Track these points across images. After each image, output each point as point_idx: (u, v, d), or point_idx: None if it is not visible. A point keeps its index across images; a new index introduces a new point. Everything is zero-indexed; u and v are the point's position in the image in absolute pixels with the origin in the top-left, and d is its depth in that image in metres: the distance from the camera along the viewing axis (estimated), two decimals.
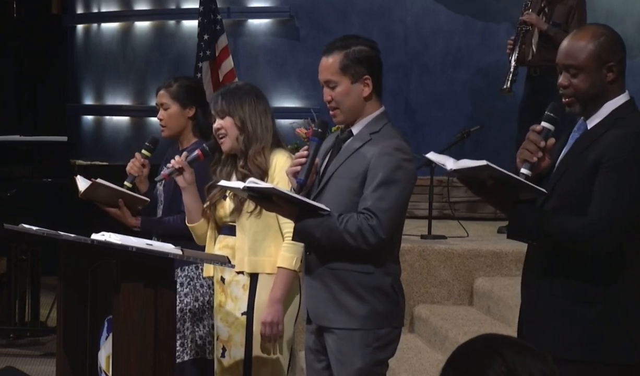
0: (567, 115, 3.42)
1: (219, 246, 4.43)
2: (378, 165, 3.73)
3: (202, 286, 4.82)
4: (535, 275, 3.39)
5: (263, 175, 4.28)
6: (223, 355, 4.41)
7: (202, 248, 4.56)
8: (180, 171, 4.44)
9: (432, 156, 3.47)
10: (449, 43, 8.72)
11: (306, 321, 3.94)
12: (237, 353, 4.36)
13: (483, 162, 3.22)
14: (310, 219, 3.72)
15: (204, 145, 4.50)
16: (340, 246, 3.72)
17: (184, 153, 4.52)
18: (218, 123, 4.38)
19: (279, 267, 4.29)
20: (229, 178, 4.37)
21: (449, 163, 3.34)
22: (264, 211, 4.23)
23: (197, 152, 4.47)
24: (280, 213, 3.88)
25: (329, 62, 3.81)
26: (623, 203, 3.20)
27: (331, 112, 3.86)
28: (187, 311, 4.78)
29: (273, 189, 3.69)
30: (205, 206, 4.46)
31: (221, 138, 4.38)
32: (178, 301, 4.76)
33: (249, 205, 4.28)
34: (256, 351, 4.33)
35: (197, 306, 4.79)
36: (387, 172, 3.73)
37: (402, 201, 3.78)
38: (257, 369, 4.34)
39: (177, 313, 4.74)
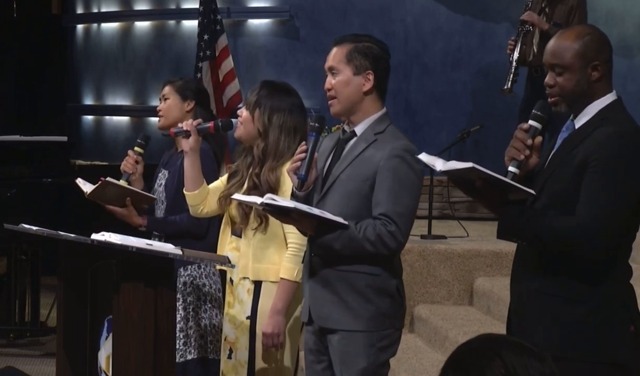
0: (555, 114, 3.43)
1: (229, 247, 4.42)
2: (388, 168, 3.73)
3: (204, 285, 4.82)
4: (524, 272, 3.40)
5: (271, 191, 4.24)
6: (230, 357, 4.40)
7: (213, 242, 4.57)
8: (187, 134, 4.43)
9: (423, 156, 3.47)
10: (449, 43, 8.73)
11: (307, 322, 3.94)
12: (242, 355, 4.35)
13: (469, 164, 3.23)
14: (329, 231, 3.71)
15: (218, 120, 4.53)
16: (361, 255, 3.71)
17: (198, 120, 4.51)
18: (241, 110, 4.38)
19: (281, 278, 4.26)
20: (248, 170, 4.36)
21: (438, 164, 3.35)
22: (269, 226, 4.24)
23: (209, 123, 4.48)
24: (298, 227, 3.86)
25: (337, 51, 3.85)
26: (610, 203, 3.20)
27: (329, 102, 3.87)
28: (191, 310, 4.79)
29: (294, 208, 3.65)
30: (221, 194, 4.44)
31: (237, 124, 4.38)
32: (182, 300, 4.77)
33: (254, 222, 4.27)
34: (259, 355, 4.32)
35: (199, 305, 4.80)
36: (398, 175, 3.72)
37: (415, 204, 3.79)
38: (261, 373, 4.33)
39: (181, 311, 4.75)
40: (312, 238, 3.79)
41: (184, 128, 4.43)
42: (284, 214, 3.74)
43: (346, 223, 3.68)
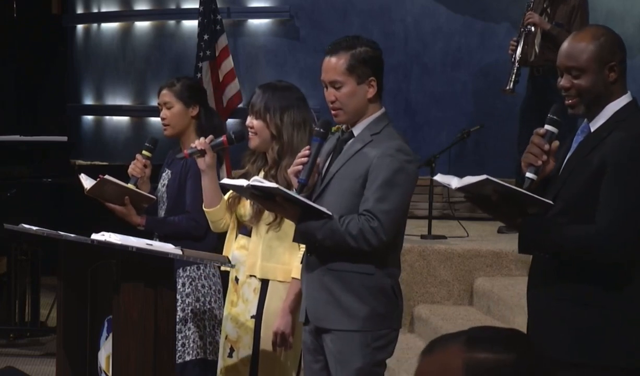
0: (569, 118, 3.41)
1: (237, 245, 4.41)
2: (380, 166, 3.73)
3: (203, 286, 4.82)
4: (540, 279, 3.38)
5: (289, 187, 4.24)
6: (230, 355, 4.39)
7: (212, 243, 4.55)
8: (202, 153, 4.38)
9: (438, 177, 3.45)
10: (449, 43, 8.72)
11: (304, 321, 3.94)
12: (244, 354, 4.34)
13: (483, 177, 3.21)
14: (312, 220, 3.72)
15: (230, 132, 4.48)
16: (342, 248, 3.72)
17: (210, 136, 4.45)
18: (250, 121, 4.31)
19: (293, 278, 4.24)
20: (258, 173, 4.34)
21: (454, 182, 3.33)
22: (283, 223, 4.22)
23: (222, 138, 4.43)
24: (282, 213, 3.86)
25: (335, 63, 3.80)
26: (626, 208, 3.19)
27: (333, 112, 3.84)
28: (189, 311, 4.78)
29: (278, 189, 3.68)
30: (228, 196, 4.44)
31: (250, 135, 4.34)
32: (180, 301, 4.76)
33: (268, 217, 4.26)
34: (263, 355, 4.31)
35: (198, 306, 4.79)
36: (388, 173, 3.72)
37: (403, 203, 3.78)
38: (264, 373, 4.33)
39: (179, 313, 4.74)
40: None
41: (198, 148, 4.38)
42: (270, 200, 3.74)
43: (330, 213, 3.69)
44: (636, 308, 3.28)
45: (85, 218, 5.81)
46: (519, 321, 5.32)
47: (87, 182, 4.86)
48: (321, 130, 3.85)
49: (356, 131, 3.85)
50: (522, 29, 7.39)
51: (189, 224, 4.77)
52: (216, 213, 4.44)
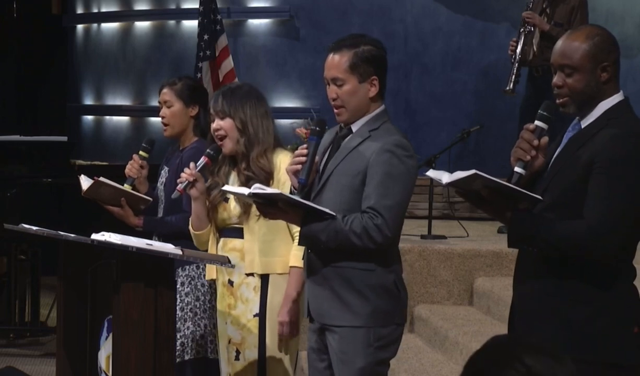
0: (561, 115, 3.42)
1: (226, 249, 4.39)
2: (379, 162, 3.73)
3: (202, 285, 4.81)
4: (527, 274, 3.39)
5: (268, 177, 4.26)
6: (237, 358, 4.38)
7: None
8: (194, 183, 4.36)
9: (430, 173, 3.46)
10: (449, 43, 8.73)
11: (309, 320, 3.94)
12: (251, 355, 4.34)
13: (472, 172, 3.22)
14: (315, 222, 3.71)
15: (208, 150, 4.43)
16: (347, 248, 3.71)
17: (192, 164, 4.40)
18: (217, 124, 4.35)
19: (291, 266, 4.27)
20: (227, 179, 4.37)
21: (445, 178, 3.34)
22: None
23: (204, 160, 4.40)
24: (285, 218, 3.85)
25: (338, 60, 3.80)
26: (618, 205, 3.20)
27: (335, 111, 3.84)
28: (188, 310, 4.78)
29: (280, 194, 3.68)
30: (207, 206, 4.43)
31: (220, 139, 4.36)
32: (179, 300, 4.76)
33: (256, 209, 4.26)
34: (270, 351, 4.32)
35: (197, 305, 4.79)
36: (388, 169, 3.72)
37: (405, 198, 3.77)
38: (272, 369, 4.33)
39: (178, 312, 4.74)
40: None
41: (190, 180, 4.33)
42: (271, 206, 3.74)
43: (333, 214, 3.68)
44: (626, 304, 3.29)
45: (85, 218, 5.82)
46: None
47: (85, 183, 4.87)
48: (317, 128, 3.85)
49: (355, 127, 3.85)
50: (522, 29, 7.40)
51: (186, 223, 4.77)
52: (205, 235, 4.45)
